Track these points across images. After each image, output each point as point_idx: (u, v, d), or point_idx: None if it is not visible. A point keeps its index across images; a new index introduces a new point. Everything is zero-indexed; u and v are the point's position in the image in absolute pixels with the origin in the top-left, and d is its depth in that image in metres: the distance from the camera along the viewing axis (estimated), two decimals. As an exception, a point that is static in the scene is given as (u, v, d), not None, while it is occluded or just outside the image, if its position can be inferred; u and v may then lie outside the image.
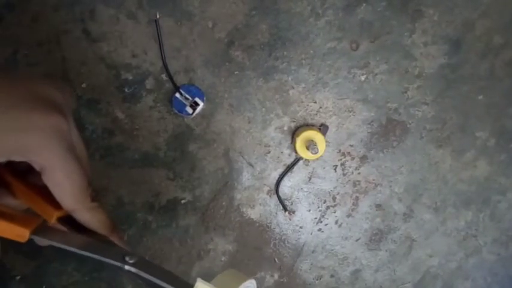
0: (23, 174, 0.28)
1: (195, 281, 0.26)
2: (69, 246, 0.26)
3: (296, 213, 0.51)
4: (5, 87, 0.23)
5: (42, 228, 0.27)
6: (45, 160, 0.24)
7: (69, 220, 0.28)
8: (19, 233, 0.26)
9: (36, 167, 0.24)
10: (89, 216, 0.27)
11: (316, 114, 0.48)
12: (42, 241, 0.26)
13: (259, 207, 0.50)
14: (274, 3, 0.44)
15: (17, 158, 0.23)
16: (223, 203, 0.49)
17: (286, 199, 0.50)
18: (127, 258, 0.27)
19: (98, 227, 0.28)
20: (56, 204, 0.27)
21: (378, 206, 0.52)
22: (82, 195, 0.26)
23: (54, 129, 0.23)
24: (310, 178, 0.50)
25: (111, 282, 0.49)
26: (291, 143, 0.48)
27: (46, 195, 0.27)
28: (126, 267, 0.27)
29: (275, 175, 0.49)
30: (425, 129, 0.50)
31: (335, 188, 0.51)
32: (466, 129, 0.51)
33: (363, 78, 0.48)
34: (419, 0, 0.46)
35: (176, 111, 0.45)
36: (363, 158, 0.50)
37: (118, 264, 0.27)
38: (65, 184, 0.25)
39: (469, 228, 0.54)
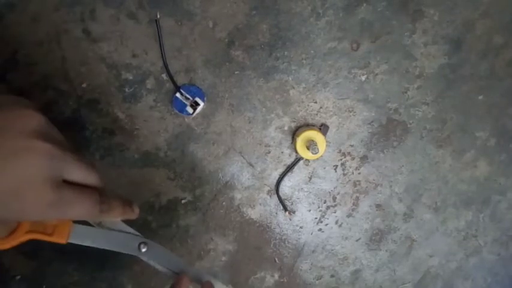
0: None
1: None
2: (95, 243, 0.34)
3: (296, 213, 0.51)
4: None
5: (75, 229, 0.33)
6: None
7: None
8: (61, 235, 0.32)
9: None
10: (104, 216, 0.32)
11: (317, 114, 0.48)
12: (77, 239, 0.33)
13: (260, 207, 0.50)
14: (274, 3, 0.44)
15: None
16: (224, 203, 0.49)
17: (286, 199, 0.50)
18: (141, 246, 0.35)
19: (114, 218, 0.34)
20: None
21: (378, 206, 0.52)
22: (91, 209, 0.30)
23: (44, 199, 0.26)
24: (310, 178, 0.50)
25: (111, 282, 0.49)
26: (291, 143, 0.48)
27: None
28: (141, 255, 0.35)
29: (275, 175, 0.49)
30: (426, 129, 0.50)
31: (335, 188, 0.51)
32: (466, 129, 0.51)
33: (363, 78, 0.48)
34: (419, 0, 0.46)
35: (176, 111, 0.45)
36: (363, 158, 0.50)
37: (134, 254, 0.35)
38: (73, 216, 0.29)
39: (469, 228, 0.54)
